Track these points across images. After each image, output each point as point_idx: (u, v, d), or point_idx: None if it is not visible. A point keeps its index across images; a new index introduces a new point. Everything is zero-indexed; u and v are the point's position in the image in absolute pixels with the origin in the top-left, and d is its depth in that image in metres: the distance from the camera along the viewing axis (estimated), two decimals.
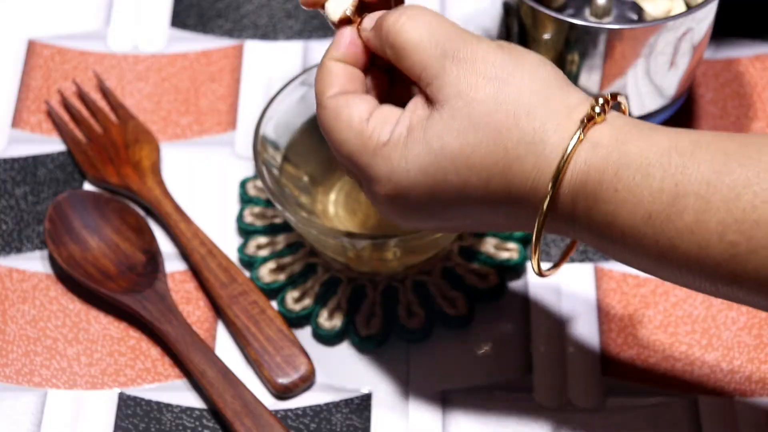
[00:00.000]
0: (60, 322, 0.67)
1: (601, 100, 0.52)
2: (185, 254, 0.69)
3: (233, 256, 0.70)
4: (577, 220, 0.52)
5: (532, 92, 0.52)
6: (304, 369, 0.65)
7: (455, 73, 0.52)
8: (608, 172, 0.51)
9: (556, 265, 0.57)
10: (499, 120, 0.51)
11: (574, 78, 0.68)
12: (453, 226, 0.56)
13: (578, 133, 0.51)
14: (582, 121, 0.51)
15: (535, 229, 0.53)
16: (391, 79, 0.57)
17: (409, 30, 0.53)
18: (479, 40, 0.53)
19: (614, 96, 0.53)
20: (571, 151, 0.51)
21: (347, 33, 0.56)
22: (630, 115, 0.57)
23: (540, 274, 0.55)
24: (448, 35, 0.53)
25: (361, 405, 0.64)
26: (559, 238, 0.69)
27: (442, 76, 0.52)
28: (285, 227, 0.70)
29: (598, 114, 0.51)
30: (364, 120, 0.54)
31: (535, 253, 0.54)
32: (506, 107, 0.52)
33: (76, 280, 0.68)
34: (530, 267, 0.69)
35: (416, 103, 0.54)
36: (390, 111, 0.54)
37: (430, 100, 0.53)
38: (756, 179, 0.48)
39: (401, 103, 0.55)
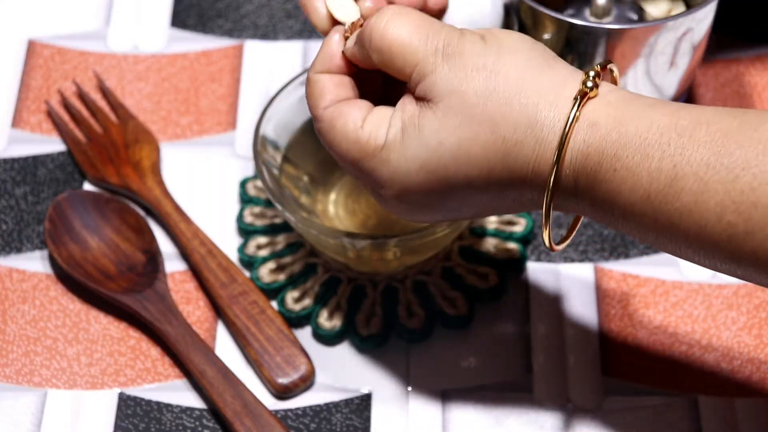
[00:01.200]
0: (60, 322, 0.67)
1: (591, 73, 0.51)
2: (185, 254, 0.69)
3: (233, 256, 0.70)
4: (580, 196, 0.52)
5: (520, 75, 0.52)
6: (304, 369, 0.65)
7: (446, 69, 0.52)
8: (607, 153, 0.50)
9: (565, 238, 0.57)
10: (493, 108, 0.51)
11: None
12: (461, 215, 0.56)
13: (573, 111, 0.51)
14: (576, 99, 0.51)
15: (543, 209, 0.52)
16: (384, 78, 0.57)
17: (394, 30, 0.53)
18: (462, 33, 0.53)
19: (603, 66, 0.52)
20: (569, 131, 0.51)
21: (329, 45, 0.56)
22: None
23: (551, 248, 0.55)
24: (435, 30, 0.53)
25: (361, 405, 0.64)
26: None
27: (434, 73, 0.52)
28: (285, 227, 0.70)
29: (591, 89, 0.51)
30: (359, 127, 0.54)
31: (545, 228, 0.53)
32: (498, 95, 0.52)
33: (76, 280, 0.68)
34: (530, 267, 0.69)
35: (405, 102, 0.54)
36: (384, 112, 0.54)
37: (420, 98, 0.53)
38: (755, 161, 0.48)
39: (395, 102, 0.55)
